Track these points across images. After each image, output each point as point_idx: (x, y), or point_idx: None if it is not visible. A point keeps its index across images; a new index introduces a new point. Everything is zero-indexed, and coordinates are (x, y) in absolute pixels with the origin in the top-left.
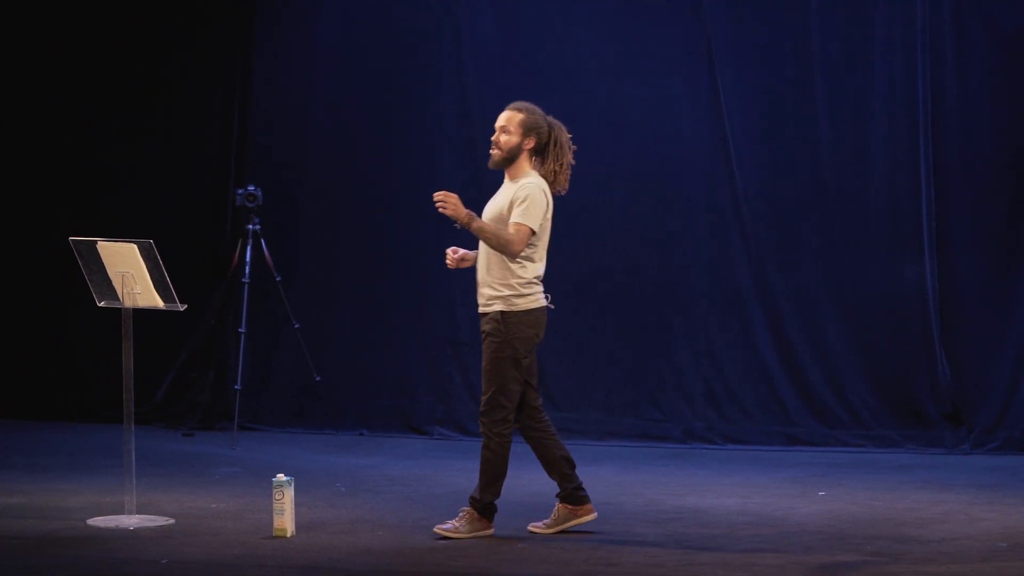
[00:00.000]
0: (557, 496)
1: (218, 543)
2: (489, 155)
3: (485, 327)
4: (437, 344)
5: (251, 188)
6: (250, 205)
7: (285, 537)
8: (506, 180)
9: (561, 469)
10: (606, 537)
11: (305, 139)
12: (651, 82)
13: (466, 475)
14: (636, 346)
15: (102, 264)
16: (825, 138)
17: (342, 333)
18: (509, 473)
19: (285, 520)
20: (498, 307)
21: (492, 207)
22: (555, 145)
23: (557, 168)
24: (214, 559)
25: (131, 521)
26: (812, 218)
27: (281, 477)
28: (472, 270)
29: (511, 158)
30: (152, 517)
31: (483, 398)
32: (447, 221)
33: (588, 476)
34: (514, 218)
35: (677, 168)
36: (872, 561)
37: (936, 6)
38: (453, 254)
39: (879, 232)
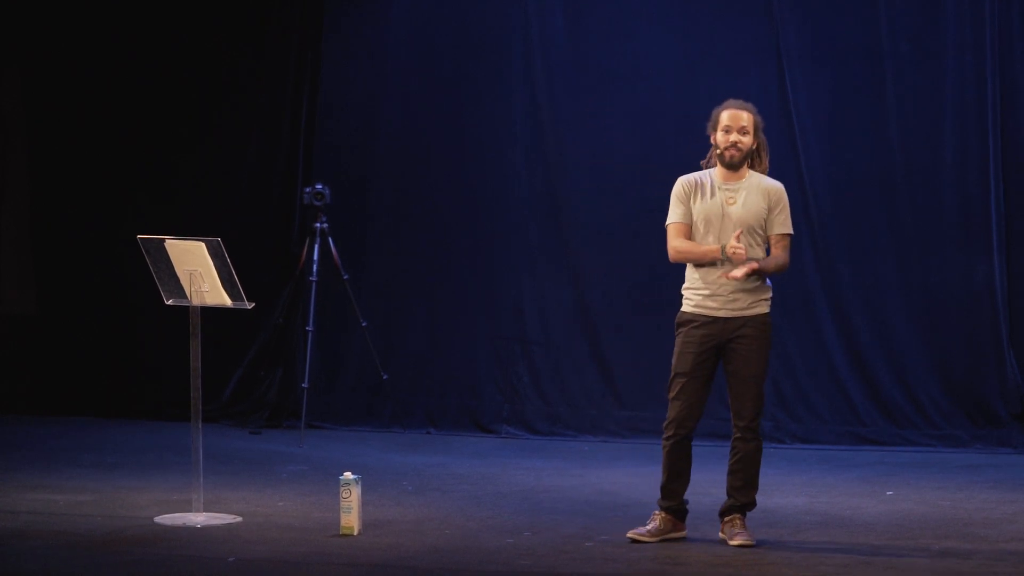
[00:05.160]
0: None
1: (285, 541)
2: (723, 155)
3: (748, 331)
4: (506, 343)
5: (319, 186)
6: (317, 203)
7: (352, 535)
8: (723, 180)
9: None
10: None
11: (374, 137)
12: (720, 81)
13: (533, 474)
14: None
15: (170, 262)
16: (894, 137)
17: (410, 331)
18: (575, 472)
19: (352, 518)
20: (763, 309)
21: (745, 214)
22: (763, 144)
23: (766, 166)
24: (281, 557)
25: (198, 519)
26: (881, 217)
27: (348, 475)
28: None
29: (746, 158)
30: (219, 515)
31: (752, 403)
32: (517, 220)
33: (656, 475)
34: (782, 228)
35: None
36: (941, 561)
37: (1006, 4)
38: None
39: (948, 231)
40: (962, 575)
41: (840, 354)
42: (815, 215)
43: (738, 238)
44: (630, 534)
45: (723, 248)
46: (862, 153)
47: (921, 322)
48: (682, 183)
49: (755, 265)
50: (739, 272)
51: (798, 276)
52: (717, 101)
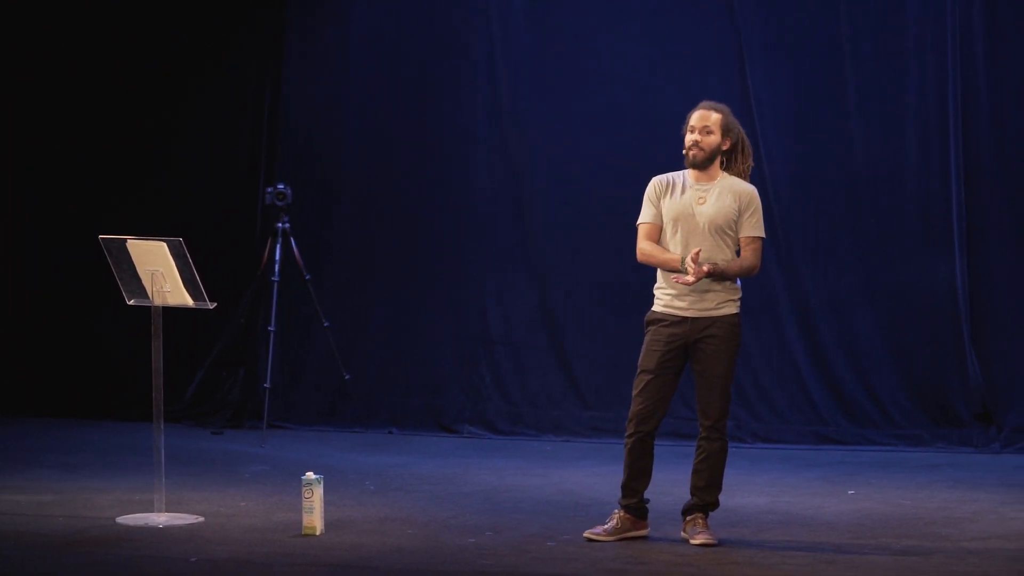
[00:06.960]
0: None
1: (247, 541)
2: (686, 155)
3: (715, 331)
4: (468, 343)
5: (280, 186)
6: (279, 203)
7: (314, 535)
8: (695, 180)
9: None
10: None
11: (337, 137)
12: (683, 81)
13: (495, 474)
14: None
15: (132, 262)
16: (856, 137)
17: (373, 332)
18: (537, 472)
19: (314, 518)
20: (731, 309)
21: (715, 214)
22: (742, 147)
23: (745, 169)
24: (243, 557)
25: (160, 519)
26: (843, 217)
27: (310, 475)
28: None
29: (712, 158)
30: (181, 515)
31: (718, 403)
32: (484, 220)
33: (618, 474)
34: (752, 231)
35: None
36: (902, 560)
37: (967, 5)
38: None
39: (910, 231)
40: (924, 574)
41: (802, 353)
42: (777, 213)
43: (695, 257)
44: (586, 534)
45: (683, 260)
46: (824, 153)
47: (883, 321)
48: (654, 183)
49: (705, 270)
50: (689, 278)
51: (760, 275)
52: (679, 101)
